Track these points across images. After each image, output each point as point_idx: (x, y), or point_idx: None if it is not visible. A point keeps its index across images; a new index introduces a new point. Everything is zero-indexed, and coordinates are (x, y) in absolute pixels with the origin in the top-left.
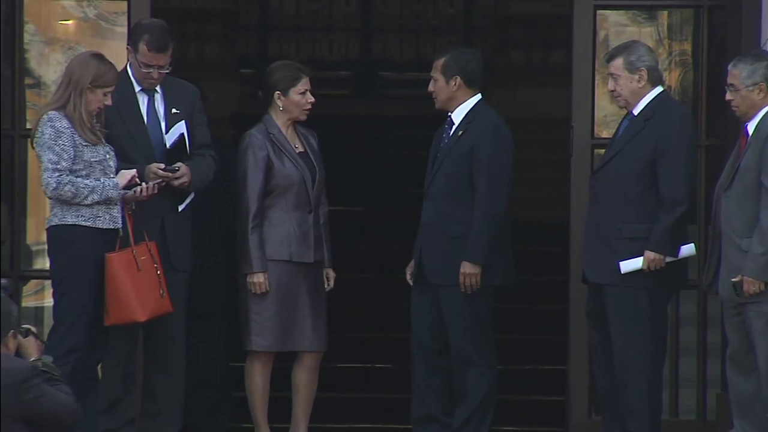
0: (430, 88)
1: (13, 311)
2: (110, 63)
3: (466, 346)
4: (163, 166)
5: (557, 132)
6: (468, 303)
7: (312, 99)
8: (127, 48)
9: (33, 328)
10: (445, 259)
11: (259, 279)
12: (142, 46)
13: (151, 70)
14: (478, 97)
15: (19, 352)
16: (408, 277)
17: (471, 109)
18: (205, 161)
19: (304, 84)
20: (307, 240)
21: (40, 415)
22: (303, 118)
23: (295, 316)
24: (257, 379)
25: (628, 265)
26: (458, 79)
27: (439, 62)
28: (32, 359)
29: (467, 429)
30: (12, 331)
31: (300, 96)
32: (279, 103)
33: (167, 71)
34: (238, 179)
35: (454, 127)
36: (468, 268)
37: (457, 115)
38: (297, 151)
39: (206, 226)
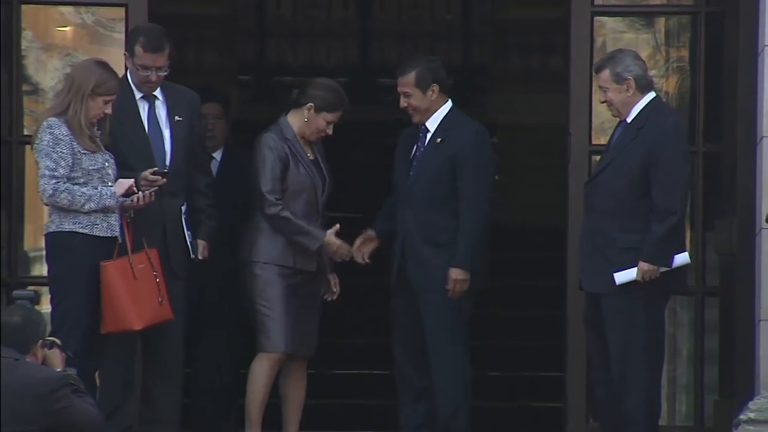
0: (404, 104)
1: (41, 321)
2: (113, 71)
3: (445, 348)
4: (155, 169)
5: (554, 138)
6: (450, 307)
7: (330, 132)
8: (125, 54)
9: (57, 341)
10: (429, 266)
11: (332, 240)
12: (138, 48)
13: (149, 73)
14: (450, 102)
15: (44, 364)
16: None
17: (445, 115)
18: (208, 219)
19: (336, 116)
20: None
21: (67, 425)
22: (312, 139)
23: (297, 321)
24: (266, 380)
25: (622, 277)
26: (436, 87)
27: (410, 77)
28: (58, 370)
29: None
30: (40, 341)
31: (325, 123)
32: (306, 115)
33: (165, 73)
34: (257, 170)
35: (429, 134)
36: (458, 275)
37: (432, 123)
38: (309, 159)
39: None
